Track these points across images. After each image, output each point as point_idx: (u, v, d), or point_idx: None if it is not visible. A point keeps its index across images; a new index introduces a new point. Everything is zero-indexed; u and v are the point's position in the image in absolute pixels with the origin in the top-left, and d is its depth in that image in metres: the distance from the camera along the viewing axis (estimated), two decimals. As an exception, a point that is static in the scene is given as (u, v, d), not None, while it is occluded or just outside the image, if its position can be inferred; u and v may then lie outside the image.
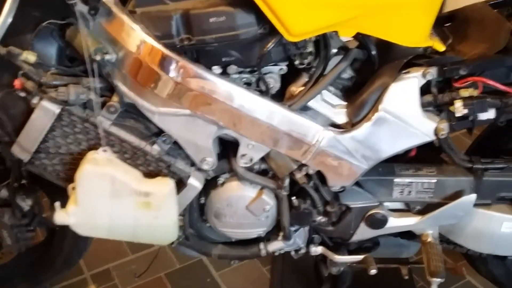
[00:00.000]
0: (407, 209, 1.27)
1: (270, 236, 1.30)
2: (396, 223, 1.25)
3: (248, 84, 1.12)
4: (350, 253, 1.33)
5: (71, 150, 1.12)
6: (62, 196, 1.17)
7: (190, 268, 1.72)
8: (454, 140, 1.20)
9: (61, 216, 1.11)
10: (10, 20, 0.98)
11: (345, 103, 1.15)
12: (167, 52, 1.03)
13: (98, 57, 1.02)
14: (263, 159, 1.18)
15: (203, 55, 1.08)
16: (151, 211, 1.11)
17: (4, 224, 1.32)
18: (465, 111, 1.11)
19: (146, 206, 1.10)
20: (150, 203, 1.10)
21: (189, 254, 1.37)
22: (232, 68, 1.09)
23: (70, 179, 1.13)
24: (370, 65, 1.14)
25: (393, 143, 1.14)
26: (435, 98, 1.13)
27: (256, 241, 1.31)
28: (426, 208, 1.25)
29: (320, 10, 0.99)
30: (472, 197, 1.21)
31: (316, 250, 1.32)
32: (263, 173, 1.21)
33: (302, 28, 1.01)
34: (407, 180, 1.22)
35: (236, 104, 1.07)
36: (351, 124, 1.14)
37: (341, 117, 1.15)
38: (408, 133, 1.13)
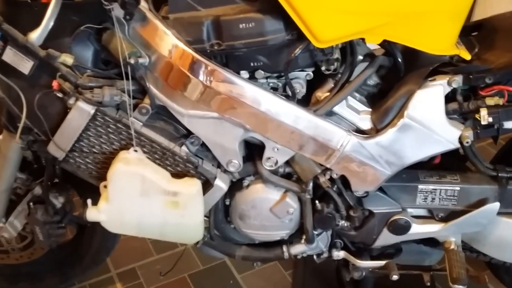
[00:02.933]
0: (431, 216, 1.28)
1: (293, 239, 1.32)
2: (419, 229, 1.26)
3: (275, 89, 1.15)
4: (373, 258, 1.34)
5: (104, 150, 1.16)
6: (92, 194, 1.21)
7: (213, 269, 1.75)
8: (479, 149, 1.21)
9: (93, 213, 1.15)
10: (52, 23, 1.03)
11: (370, 109, 1.17)
12: (197, 56, 1.06)
13: (132, 61, 1.06)
14: (287, 163, 1.20)
15: (232, 60, 1.11)
16: (178, 210, 1.14)
17: (37, 221, 1.36)
18: (490, 119, 1.11)
19: (174, 205, 1.13)
20: (177, 203, 1.13)
21: (213, 255, 1.39)
22: (260, 73, 1.12)
23: (102, 177, 1.18)
24: (396, 72, 1.16)
25: (417, 150, 1.15)
26: (460, 106, 1.14)
27: (279, 243, 1.33)
28: (450, 216, 1.25)
29: (348, 17, 1.02)
30: (496, 205, 1.21)
31: (339, 254, 1.33)
32: (287, 176, 1.23)
33: (330, 35, 1.03)
34: (431, 187, 1.23)
35: (263, 108, 1.10)
36: (376, 130, 1.15)
37: (366, 123, 1.16)
38: (432, 140, 1.14)
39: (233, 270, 1.75)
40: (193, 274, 1.73)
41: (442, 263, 1.38)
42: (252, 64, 1.11)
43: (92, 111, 1.10)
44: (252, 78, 1.13)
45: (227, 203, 1.27)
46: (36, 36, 1.03)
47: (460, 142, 1.15)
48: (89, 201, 1.16)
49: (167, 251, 1.80)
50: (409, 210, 1.26)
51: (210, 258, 1.46)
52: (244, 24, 1.05)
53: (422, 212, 1.28)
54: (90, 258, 1.56)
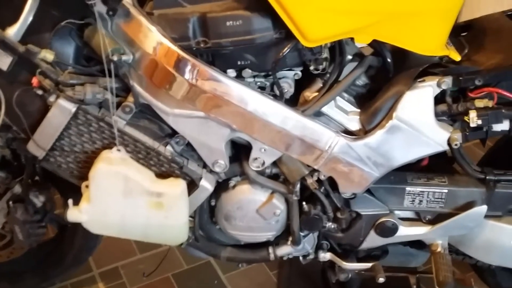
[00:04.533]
0: (418, 218, 1.27)
1: (279, 240, 1.30)
2: (406, 232, 1.25)
3: (262, 88, 1.13)
4: (359, 260, 1.33)
5: (86, 149, 1.13)
6: (74, 193, 1.18)
7: (198, 269, 1.73)
8: (466, 150, 1.20)
9: (74, 214, 1.12)
10: (30, 18, 0.99)
11: (359, 110, 1.16)
12: (183, 54, 1.04)
13: (115, 58, 1.03)
14: (274, 163, 1.18)
15: (218, 58, 1.09)
16: (162, 212, 1.11)
17: (17, 220, 1.33)
18: (479, 121, 1.10)
19: (157, 206, 1.11)
20: (162, 204, 1.11)
21: (198, 255, 1.37)
22: (247, 72, 1.10)
23: (83, 177, 1.14)
24: (385, 73, 1.14)
25: (406, 152, 1.14)
26: (449, 107, 1.13)
27: (265, 245, 1.31)
28: (437, 218, 1.25)
29: (337, 16, 1.00)
30: (483, 208, 1.20)
31: (325, 256, 1.32)
32: (274, 177, 1.21)
33: (319, 34, 1.01)
34: (419, 189, 1.22)
35: (250, 108, 1.08)
36: (364, 131, 1.14)
37: (354, 124, 1.15)
38: (421, 142, 1.13)
39: (218, 270, 1.73)
40: (177, 274, 1.71)
41: (427, 264, 1.38)
42: (239, 63, 1.09)
43: (74, 109, 1.07)
44: (239, 77, 1.10)
45: (213, 203, 1.25)
46: (14, 31, 1.00)
47: (449, 144, 1.14)
48: (70, 201, 1.13)
49: (150, 250, 1.77)
50: (396, 212, 1.25)
51: (195, 258, 1.44)
52: (231, 22, 1.03)
53: (410, 214, 1.27)
54: (71, 258, 1.53)
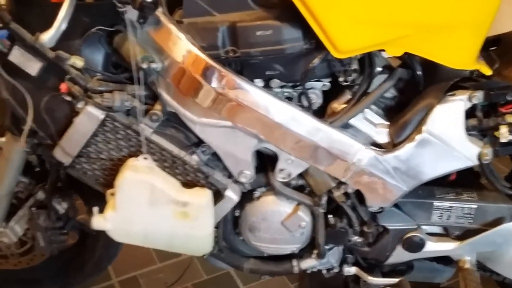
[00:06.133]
0: (446, 234, 1.24)
1: (303, 253, 1.28)
2: (434, 247, 1.23)
3: (289, 99, 1.12)
4: (384, 275, 1.30)
5: (112, 156, 1.12)
6: (97, 200, 1.17)
7: (218, 280, 1.71)
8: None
9: (99, 221, 1.11)
10: (64, 25, 0.99)
11: (387, 122, 1.14)
12: (211, 62, 1.03)
13: (144, 65, 1.02)
14: (301, 175, 1.17)
15: (247, 68, 1.08)
16: (188, 221, 1.10)
17: (39, 226, 1.32)
18: (510, 137, 1.08)
19: (183, 216, 1.09)
20: (187, 213, 1.09)
21: (219, 266, 1.35)
22: (275, 82, 1.09)
23: (108, 184, 1.14)
24: (414, 85, 1.12)
25: (435, 166, 1.12)
26: (480, 122, 1.11)
27: (288, 257, 1.29)
28: (465, 234, 1.22)
29: (370, 28, 0.99)
30: (513, 224, 1.18)
31: (350, 270, 1.30)
32: (300, 189, 1.19)
33: (350, 45, 1.00)
34: (447, 204, 1.20)
35: (277, 118, 1.06)
36: (393, 145, 1.12)
37: (382, 137, 1.13)
38: (451, 156, 1.11)
39: (238, 281, 1.71)
40: (197, 283, 1.69)
41: (451, 279, 1.35)
42: (267, 73, 1.08)
43: (102, 116, 1.07)
44: (266, 87, 1.09)
45: (237, 214, 1.24)
46: (48, 37, 0.99)
47: (478, 159, 1.12)
48: (95, 209, 1.12)
49: (170, 259, 1.76)
50: (424, 227, 1.23)
51: (215, 268, 1.43)
52: (261, 31, 1.02)
53: (437, 229, 1.24)
54: (92, 266, 1.53)
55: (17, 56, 1.05)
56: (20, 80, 1.06)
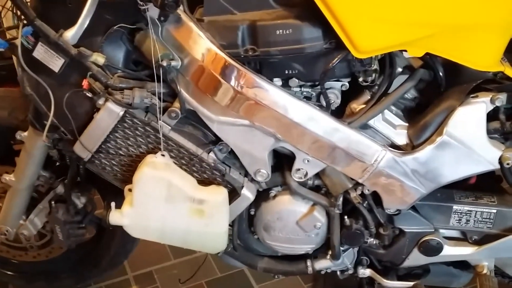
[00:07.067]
0: (464, 238, 1.23)
1: (317, 253, 1.28)
2: (451, 251, 1.21)
3: (308, 99, 1.12)
4: (399, 278, 1.29)
5: (130, 152, 1.13)
6: (114, 196, 1.19)
7: (231, 277, 1.72)
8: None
9: (116, 217, 1.12)
10: (87, 22, 1.00)
11: (407, 124, 1.13)
12: (230, 60, 1.03)
13: (164, 63, 1.03)
14: (317, 175, 1.16)
15: (266, 67, 1.08)
16: (203, 219, 1.11)
17: (58, 220, 1.34)
18: (534, 141, 1.07)
19: (199, 213, 1.10)
20: (203, 211, 1.10)
21: (233, 263, 1.36)
22: (294, 81, 1.09)
23: (126, 180, 1.15)
24: (435, 87, 1.11)
25: (455, 169, 1.10)
26: (502, 125, 1.09)
27: (303, 257, 1.29)
28: (484, 239, 1.20)
29: (392, 28, 0.98)
30: (534, 230, 1.16)
31: (364, 272, 1.29)
32: (316, 189, 1.19)
33: (372, 45, 0.99)
34: (466, 208, 1.18)
35: (295, 118, 1.06)
36: (412, 146, 1.11)
37: (401, 138, 1.12)
38: (471, 160, 1.09)
39: (251, 279, 1.71)
40: (210, 281, 1.70)
41: (468, 285, 1.33)
42: (286, 72, 1.08)
43: (121, 113, 1.08)
44: (285, 86, 1.09)
45: (252, 213, 1.24)
46: (71, 34, 1.00)
47: (499, 162, 1.10)
48: (113, 204, 1.13)
49: (184, 256, 1.77)
50: (441, 231, 1.21)
51: (229, 265, 1.43)
52: (281, 30, 1.02)
53: (455, 233, 1.23)
54: (108, 260, 1.55)
55: (41, 52, 1.06)
56: (43, 76, 1.08)
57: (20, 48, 1.06)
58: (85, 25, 1.01)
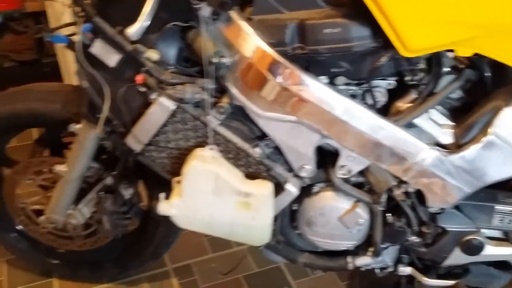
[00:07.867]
0: (506, 238, 1.22)
1: (358, 250, 1.29)
2: (493, 251, 1.21)
3: (353, 97, 1.13)
4: (439, 277, 1.29)
5: (180, 146, 1.17)
6: (160, 188, 1.22)
7: (268, 273, 1.74)
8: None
9: (165, 207, 1.16)
10: (149, 20, 1.05)
11: (452, 123, 1.13)
12: (278, 57, 1.06)
13: (215, 60, 1.07)
14: (361, 172, 1.17)
15: (313, 65, 1.10)
16: (249, 212, 1.14)
17: (106, 210, 1.39)
18: None
19: (245, 206, 1.13)
20: (249, 204, 1.13)
21: (272, 258, 1.38)
22: (340, 79, 1.10)
23: (175, 172, 1.19)
24: (482, 87, 1.12)
25: (500, 169, 1.10)
26: (549, 126, 1.09)
27: (343, 253, 1.30)
28: (527, 240, 1.20)
29: (441, 27, 0.99)
30: None
31: (405, 270, 1.30)
32: (359, 186, 1.20)
33: (420, 44, 1.00)
34: (509, 208, 1.18)
35: (341, 115, 1.08)
36: (457, 146, 1.11)
37: (447, 137, 1.13)
38: (517, 160, 1.09)
39: (288, 275, 1.73)
40: (248, 275, 1.73)
41: (507, 286, 1.33)
42: (333, 70, 1.10)
43: (173, 107, 1.12)
44: (331, 84, 1.11)
45: (294, 208, 1.26)
46: (133, 31, 1.04)
47: (546, 164, 1.10)
48: (162, 195, 1.17)
49: (222, 250, 1.81)
50: (483, 230, 1.21)
51: (266, 261, 1.45)
52: (329, 29, 1.04)
53: (497, 233, 1.23)
54: (150, 251, 1.59)
55: (98, 48, 1.11)
56: (100, 71, 1.13)
57: (79, 44, 1.11)
58: (146, 23, 1.05)
